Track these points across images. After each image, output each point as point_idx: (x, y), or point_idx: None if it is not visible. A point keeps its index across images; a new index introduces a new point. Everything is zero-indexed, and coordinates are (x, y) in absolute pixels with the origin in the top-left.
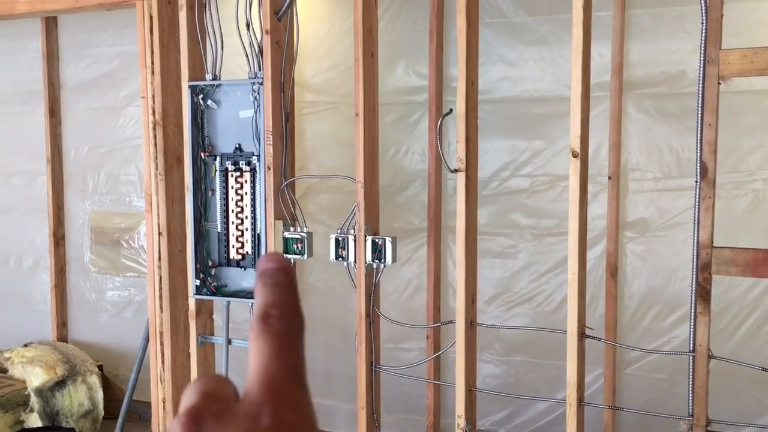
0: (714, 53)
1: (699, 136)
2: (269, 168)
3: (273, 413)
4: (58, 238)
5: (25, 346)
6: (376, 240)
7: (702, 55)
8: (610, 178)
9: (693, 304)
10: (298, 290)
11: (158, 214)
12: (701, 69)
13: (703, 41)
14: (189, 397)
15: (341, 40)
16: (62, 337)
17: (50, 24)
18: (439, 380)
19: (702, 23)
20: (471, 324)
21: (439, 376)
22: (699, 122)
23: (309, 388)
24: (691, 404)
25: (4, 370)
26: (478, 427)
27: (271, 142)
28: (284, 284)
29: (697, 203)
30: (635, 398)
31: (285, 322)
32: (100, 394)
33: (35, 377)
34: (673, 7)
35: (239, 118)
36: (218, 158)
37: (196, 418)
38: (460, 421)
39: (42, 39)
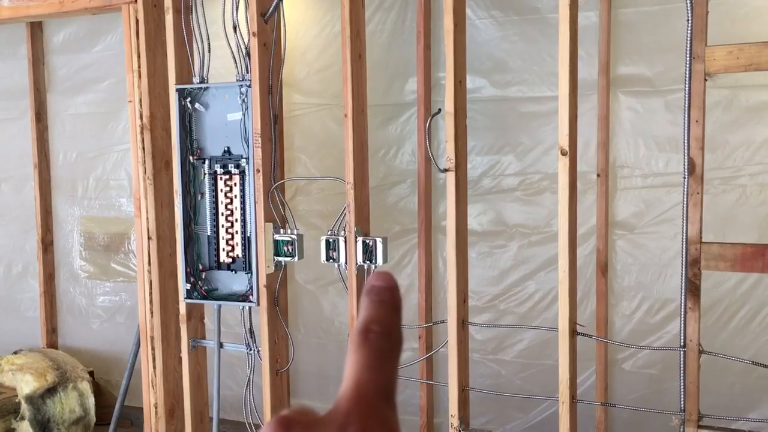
0: (700, 50)
1: (686, 132)
2: (258, 170)
3: (360, 424)
4: (47, 244)
5: (15, 353)
6: (367, 241)
7: (688, 52)
8: (598, 175)
9: (683, 300)
10: (401, 311)
11: (147, 219)
12: (687, 66)
13: (688, 38)
14: (279, 412)
15: (331, 43)
16: (52, 344)
17: (35, 29)
18: (432, 380)
19: (687, 20)
20: (463, 323)
21: (431, 376)
22: (686, 118)
23: (397, 407)
24: (682, 399)
25: None
26: (471, 426)
27: (260, 145)
28: (389, 303)
29: (685, 199)
30: (627, 394)
31: (384, 339)
32: (91, 401)
33: (25, 384)
34: (658, 5)
35: (227, 121)
36: (207, 161)
37: (287, 424)
38: (454, 420)
39: (27, 44)
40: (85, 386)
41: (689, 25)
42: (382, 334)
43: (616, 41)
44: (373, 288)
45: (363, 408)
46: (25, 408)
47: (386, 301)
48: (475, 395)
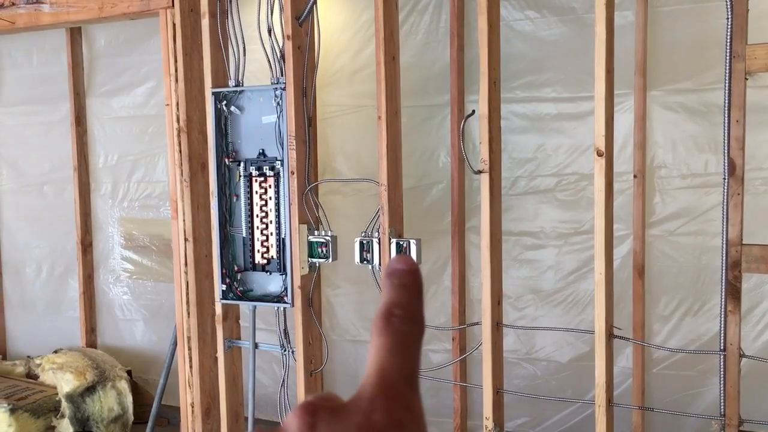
0: (740, 48)
1: (726, 132)
2: (293, 172)
3: (385, 409)
4: (86, 245)
5: (55, 352)
6: (401, 243)
7: (728, 51)
8: (635, 176)
9: (723, 303)
10: (423, 294)
11: (184, 221)
12: (727, 65)
13: (728, 36)
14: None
15: (366, 45)
16: (91, 343)
17: (75, 34)
18: (466, 382)
19: (727, 18)
20: (497, 325)
21: (465, 378)
22: (726, 118)
23: (420, 391)
24: (722, 404)
25: (35, 377)
26: (505, 429)
27: (294, 147)
28: (411, 286)
29: (725, 200)
30: (665, 397)
31: (407, 323)
32: (129, 399)
33: (66, 383)
34: (696, 3)
35: (262, 123)
36: (242, 164)
37: (312, 410)
38: (488, 423)
39: (67, 49)
40: (124, 385)
41: (729, 23)
42: (405, 318)
43: (653, 40)
44: (394, 271)
45: (387, 393)
46: (65, 406)
47: (408, 285)
48: (511, 396)
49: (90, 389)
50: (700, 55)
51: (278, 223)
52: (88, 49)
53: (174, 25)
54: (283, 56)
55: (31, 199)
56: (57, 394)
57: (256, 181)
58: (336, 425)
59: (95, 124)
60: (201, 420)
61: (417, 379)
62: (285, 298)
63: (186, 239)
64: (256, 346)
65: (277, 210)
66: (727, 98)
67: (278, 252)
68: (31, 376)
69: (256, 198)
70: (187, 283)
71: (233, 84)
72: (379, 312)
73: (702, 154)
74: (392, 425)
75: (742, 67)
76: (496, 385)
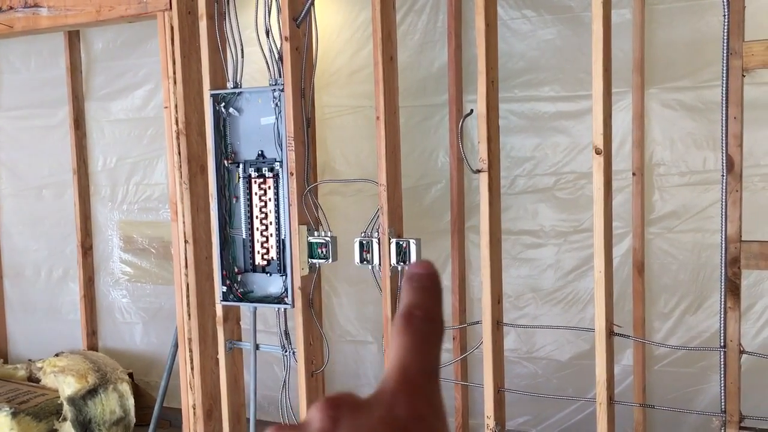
0: (737, 45)
1: (724, 129)
2: (292, 173)
3: (407, 403)
4: (86, 249)
5: (57, 355)
6: (401, 242)
7: (725, 48)
8: (634, 174)
9: (722, 299)
10: (442, 297)
11: (184, 223)
12: (724, 61)
13: (725, 33)
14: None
15: (364, 46)
16: (92, 346)
17: (73, 38)
18: (467, 381)
19: (724, 15)
20: (497, 324)
21: (466, 377)
22: (724, 115)
23: (441, 387)
24: (723, 400)
25: (37, 380)
26: (507, 428)
27: (293, 148)
28: (430, 289)
29: (723, 197)
30: (666, 394)
31: (426, 323)
32: (131, 402)
33: (67, 386)
34: (693, 1)
35: (261, 124)
36: (241, 165)
37: (335, 405)
38: (489, 421)
39: (65, 53)
40: (125, 387)
41: (726, 20)
42: (425, 319)
43: (651, 38)
44: (414, 275)
45: (409, 388)
46: (67, 409)
47: (427, 287)
48: (512, 395)
49: (92, 392)
50: (698, 52)
51: (278, 224)
52: (86, 53)
53: (172, 27)
54: (281, 57)
55: (30, 203)
56: (59, 397)
57: (255, 182)
58: (359, 419)
59: (94, 127)
60: (203, 422)
61: (437, 375)
62: (285, 299)
63: (186, 241)
64: (257, 347)
65: (277, 211)
66: (724, 95)
67: (278, 253)
68: (32, 379)
69: (255, 199)
70: (188, 285)
71: (231, 86)
72: (399, 313)
73: (700, 152)
74: (414, 418)
75: (739, 64)
76: (497, 383)
